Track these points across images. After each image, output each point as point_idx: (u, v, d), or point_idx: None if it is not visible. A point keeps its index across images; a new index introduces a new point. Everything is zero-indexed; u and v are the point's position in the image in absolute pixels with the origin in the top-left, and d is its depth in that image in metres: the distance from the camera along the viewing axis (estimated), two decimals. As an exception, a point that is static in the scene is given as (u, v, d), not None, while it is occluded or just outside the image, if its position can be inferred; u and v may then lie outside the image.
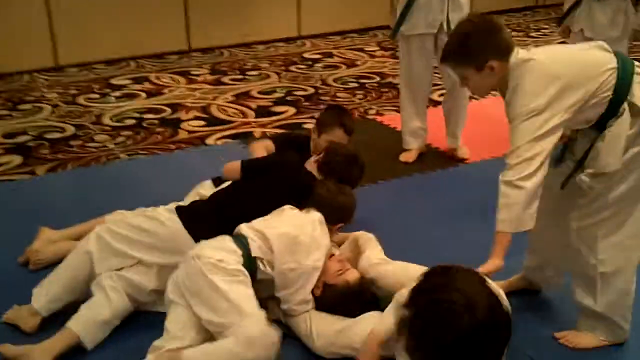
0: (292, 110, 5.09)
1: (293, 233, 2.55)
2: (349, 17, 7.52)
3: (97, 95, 5.38)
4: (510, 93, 2.24)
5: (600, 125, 2.26)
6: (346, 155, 2.92)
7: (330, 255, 2.65)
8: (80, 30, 6.05)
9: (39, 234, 3.01)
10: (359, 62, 6.45)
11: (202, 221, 2.67)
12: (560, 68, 2.22)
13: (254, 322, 2.31)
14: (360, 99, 5.36)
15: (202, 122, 4.82)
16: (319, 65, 6.36)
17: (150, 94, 5.44)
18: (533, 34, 7.64)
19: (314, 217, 2.64)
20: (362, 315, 2.47)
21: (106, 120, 4.83)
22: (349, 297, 2.57)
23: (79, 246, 2.67)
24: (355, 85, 5.73)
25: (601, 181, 2.29)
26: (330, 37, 7.42)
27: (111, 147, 4.35)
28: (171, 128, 4.69)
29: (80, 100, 5.28)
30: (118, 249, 2.60)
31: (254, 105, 5.18)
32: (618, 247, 2.36)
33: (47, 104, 5.19)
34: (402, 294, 2.08)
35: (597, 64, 2.25)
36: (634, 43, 5.91)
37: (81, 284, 2.60)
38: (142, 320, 2.61)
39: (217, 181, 3.13)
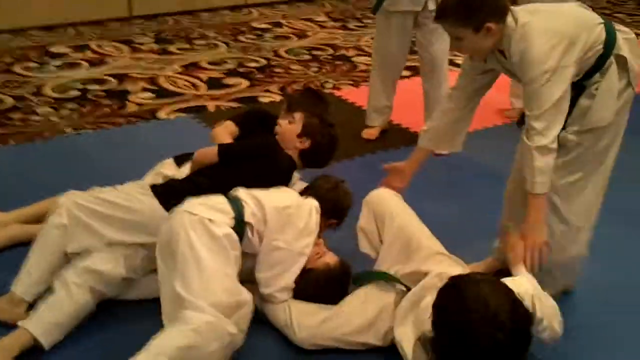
0: (245, 82, 4.88)
1: (290, 211, 2.42)
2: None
3: (35, 64, 5.03)
4: (519, 58, 2.20)
5: (581, 81, 2.28)
6: (330, 143, 2.76)
7: None
8: (12, -7, 5.65)
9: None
10: (309, 33, 6.26)
11: (180, 202, 2.49)
12: (560, 25, 2.22)
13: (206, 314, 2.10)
14: (315, 72, 5.19)
15: (151, 94, 4.57)
16: (269, 35, 6.14)
17: (92, 64, 5.12)
18: None
19: (312, 204, 2.52)
20: (344, 302, 2.37)
21: (47, 91, 4.50)
22: (331, 281, 2.47)
23: (48, 223, 2.43)
24: (309, 57, 5.55)
25: (589, 137, 2.33)
26: (277, 5, 7.20)
27: (55, 120, 4.06)
28: (119, 100, 4.42)
29: (17, 69, 4.92)
30: (89, 224, 2.40)
31: (204, 77, 4.95)
32: (588, 203, 2.45)
33: (-21, 72, 4.83)
34: (417, 295, 2.13)
35: (589, 18, 2.30)
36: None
37: (62, 260, 2.41)
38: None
39: (178, 159, 2.93)
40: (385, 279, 2.36)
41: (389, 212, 2.52)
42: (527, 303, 1.96)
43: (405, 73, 5.08)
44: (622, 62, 2.28)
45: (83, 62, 5.14)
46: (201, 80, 4.89)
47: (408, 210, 2.55)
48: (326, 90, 4.75)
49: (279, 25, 6.50)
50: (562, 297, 2.54)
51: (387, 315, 2.27)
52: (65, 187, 2.64)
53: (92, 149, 3.75)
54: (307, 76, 5.08)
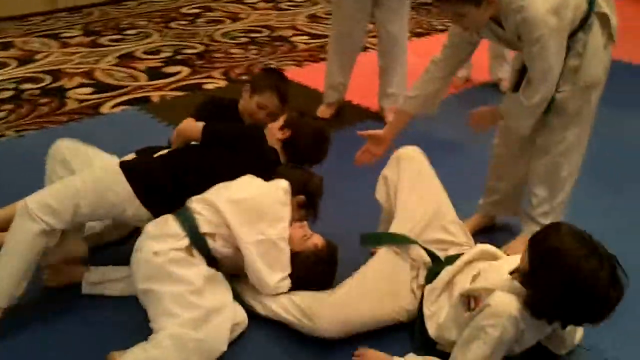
0: (186, 70, 4.75)
1: (250, 202, 2.34)
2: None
3: (-43, 64, 4.76)
4: (520, 21, 2.22)
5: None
6: (314, 134, 2.69)
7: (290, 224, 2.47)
8: None
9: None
10: (242, 16, 6.14)
11: (156, 187, 2.41)
12: None
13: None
14: (255, 55, 5.09)
15: (90, 89, 4.38)
16: (201, 20, 6.00)
17: (22, 62, 4.87)
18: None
19: (279, 185, 2.43)
20: (360, 281, 2.31)
21: (-22, 93, 4.28)
22: (320, 262, 2.43)
23: (19, 229, 2.28)
24: (246, 40, 5.45)
25: (582, 98, 2.43)
26: (205, -10, 7.04)
27: (-7, 123, 3.86)
28: (57, 98, 4.22)
29: (-60, 71, 4.65)
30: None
31: (142, 67, 4.78)
32: (576, 154, 2.58)
33: None
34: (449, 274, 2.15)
35: None
36: None
37: (35, 264, 2.31)
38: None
39: (141, 153, 2.82)
40: (407, 242, 2.32)
41: (418, 170, 2.48)
42: None
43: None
44: (603, 19, 2.34)
45: (11, 61, 4.88)
46: (139, 70, 4.72)
47: (435, 175, 2.53)
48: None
49: (210, 9, 6.35)
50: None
51: (406, 290, 2.27)
52: (16, 192, 2.52)
53: (38, 150, 3.54)
54: (248, 59, 4.98)
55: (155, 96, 4.28)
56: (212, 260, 2.32)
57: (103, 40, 5.39)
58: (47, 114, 4.00)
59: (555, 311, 1.86)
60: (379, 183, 2.56)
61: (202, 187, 2.42)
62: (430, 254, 2.30)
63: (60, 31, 5.60)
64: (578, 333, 2.20)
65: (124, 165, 2.46)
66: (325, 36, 5.52)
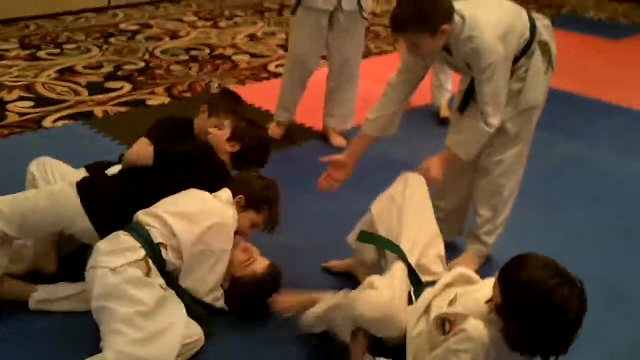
0: (128, 86, 4.76)
1: (198, 213, 2.40)
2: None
3: None
4: (470, 50, 2.37)
5: None
6: (261, 144, 2.78)
7: (237, 244, 2.53)
8: None
9: None
10: (182, 34, 6.19)
11: (106, 207, 2.46)
12: (501, 16, 2.42)
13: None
14: (197, 72, 5.15)
15: (30, 103, 4.34)
16: (141, 36, 6.01)
17: (-43, 74, 4.80)
18: None
19: (224, 196, 2.51)
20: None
21: None
22: (259, 289, 2.50)
23: None
24: (187, 57, 5.50)
25: (522, 119, 2.61)
26: (142, 6, 7.05)
27: None
28: (-4, 111, 4.19)
29: None
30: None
31: (83, 82, 4.77)
32: (516, 173, 2.77)
33: None
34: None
35: (516, 7, 2.53)
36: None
37: None
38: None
39: (92, 169, 2.84)
40: (399, 255, 2.30)
41: (426, 198, 2.51)
42: None
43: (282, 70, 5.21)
44: (543, 46, 2.53)
45: (-54, 73, 4.79)
46: (81, 85, 4.71)
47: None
48: (215, 91, 4.73)
49: (149, 26, 6.36)
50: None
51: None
52: None
53: (-21, 162, 3.53)
54: (190, 77, 5.03)
55: (98, 111, 4.28)
56: (166, 273, 2.35)
57: (41, 54, 5.34)
58: (-13, 127, 3.96)
59: (533, 344, 1.85)
60: (383, 199, 2.50)
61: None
62: (414, 274, 2.28)
63: (-4, 43, 5.52)
64: None
65: (79, 183, 2.50)
66: (266, 56, 5.65)
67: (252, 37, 6.20)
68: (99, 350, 2.15)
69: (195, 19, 6.74)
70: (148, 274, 2.28)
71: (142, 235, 2.34)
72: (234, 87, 4.80)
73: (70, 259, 2.66)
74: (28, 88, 4.59)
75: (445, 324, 1.98)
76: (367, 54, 5.83)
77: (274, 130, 4.03)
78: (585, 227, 3.31)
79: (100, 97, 4.52)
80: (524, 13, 2.53)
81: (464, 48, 2.38)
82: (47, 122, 4.07)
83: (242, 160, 2.74)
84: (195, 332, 2.32)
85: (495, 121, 2.45)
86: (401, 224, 2.35)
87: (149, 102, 4.48)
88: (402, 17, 2.34)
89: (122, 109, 4.34)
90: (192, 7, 7.20)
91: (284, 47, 5.85)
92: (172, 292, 2.33)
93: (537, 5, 8.11)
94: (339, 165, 2.76)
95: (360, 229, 2.54)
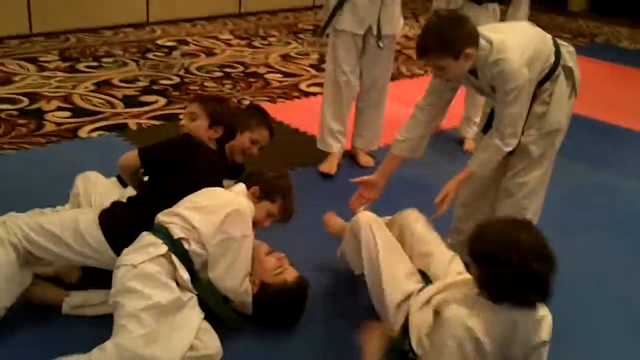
0: (162, 100, 4.87)
1: (211, 204, 2.46)
2: (197, 4, 7.36)
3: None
4: (495, 73, 2.43)
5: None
6: (242, 116, 2.83)
7: (270, 252, 2.60)
8: None
9: None
10: (217, 51, 6.31)
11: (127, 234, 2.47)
12: (528, 40, 2.49)
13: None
14: (230, 89, 5.25)
15: (67, 113, 4.47)
16: (177, 52, 6.15)
17: (-1, 83, 4.97)
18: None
19: (236, 189, 2.58)
20: None
21: (-44, 111, 4.34)
22: (288, 297, 2.54)
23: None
24: (221, 74, 5.61)
25: (546, 142, 2.64)
26: (180, 23, 7.21)
27: (-29, 141, 3.93)
28: (35, 120, 4.31)
29: None
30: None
31: (119, 95, 4.89)
32: (539, 195, 2.80)
33: None
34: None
35: (542, 33, 2.60)
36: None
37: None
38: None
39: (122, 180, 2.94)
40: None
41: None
42: None
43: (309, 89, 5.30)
44: (567, 72, 2.59)
45: (-12, 81, 4.97)
46: (116, 98, 4.84)
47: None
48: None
49: (185, 43, 6.51)
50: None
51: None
52: None
53: (15, 169, 3.64)
54: (222, 93, 5.14)
55: (132, 123, 4.39)
56: (191, 267, 2.39)
57: (80, 66, 5.50)
58: (25, 134, 4.08)
59: (514, 288, 1.92)
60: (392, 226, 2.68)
61: None
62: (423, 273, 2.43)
63: (37, 55, 5.69)
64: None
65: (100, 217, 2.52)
66: (298, 75, 5.74)
67: (284, 57, 6.30)
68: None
69: (231, 37, 6.87)
70: (172, 272, 2.33)
71: (162, 232, 2.40)
72: (265, 105, 4.88)
73: (93, 271, 2.71)
74: (66, 99, 4.73)
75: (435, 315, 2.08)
76: (398, 76, 5.90)
77: (327, 166, 3.92)
78: (610, 253, 3.31)
79: (134, 109, 4.64)
80: (548, 38, 2.59)
81: (490, 71, 2.44)
82: (83, 132, 4.19)
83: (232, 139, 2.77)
84: (210, 345, 2.32)
85: (512, 141, 2.51)
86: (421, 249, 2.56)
87: (181, 116, 4.57)
88: (425, 43, 2.42)
89: (156, 122, 4.45)
90: (228, 26, 7.34)
91: (316, 67, 5.94)
92: (193, 299, 2.36)
93: (572, 35, 8.13)
94: (370, 185, 2.83)
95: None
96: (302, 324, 2.58)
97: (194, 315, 2.33)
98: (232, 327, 2.46)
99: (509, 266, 1.88)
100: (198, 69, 5.70)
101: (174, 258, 2.35)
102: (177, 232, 2.39)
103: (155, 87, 5.13)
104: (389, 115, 4.10)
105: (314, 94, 5.22)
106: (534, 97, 2.54)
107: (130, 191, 2.77)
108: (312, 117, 4.21)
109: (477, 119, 4.39)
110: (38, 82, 5.04)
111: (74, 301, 2.53)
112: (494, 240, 1.94)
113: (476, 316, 1.94)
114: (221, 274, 2.42)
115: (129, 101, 4.79)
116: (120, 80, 5.22)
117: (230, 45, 6.57)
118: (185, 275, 2.35)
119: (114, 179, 3.00)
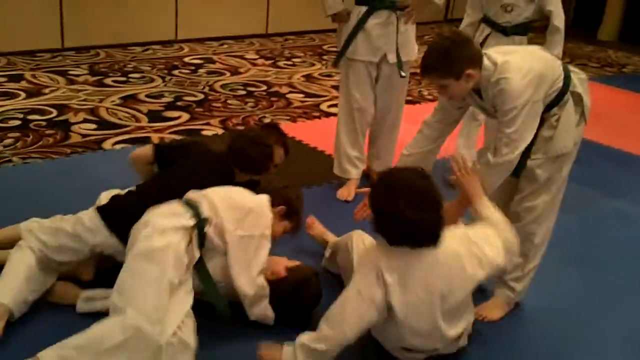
0: (185, 115, 5.00)
1: (240, 200, 2.62)
2: (225, 23, 7.51)
3: (-30, 93, 4.99)
4: (496, 91, 2.49)
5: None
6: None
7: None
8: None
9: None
10: (242, 70, 6.45)
11: (128, 219, 2.59)
12: (533, 63, 2.53)
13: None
14: (252, 107, 5.36)
15: (93, 126, 4.62)
16: (203, 70, 6.29)
17: (30, 94, 5.12)
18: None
19: (262, 197, 2.69)
20: None
21: (-13, 120, 4.49)
22: (303, 284, 2.66)
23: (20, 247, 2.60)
24: (244, 92, 5.73)
25: (553, 166, 2.67)
26: (207, 42, 7.36)
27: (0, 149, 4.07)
28: (62, 131, 4.45)
29: (-48, 97, 4.87)
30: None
31: (144, 109, 5.03)
32: (547, 221, 2.82)
33: None
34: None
35: (551, 58, 2.65)
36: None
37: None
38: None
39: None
40: None
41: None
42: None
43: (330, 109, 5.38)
44: (577, 98, 2.63)
45: (20, 92, 5.13)
46: (141, 112, 4.97)
47: None
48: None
49: (212, 61, 6.65)
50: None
51: None
52: (20, 215, 2.79)
53: (42, 178, 3.77)
54: (244, 111, 5.25)
55: (155, 137, 4.51)
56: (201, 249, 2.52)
57: (108, 80, 5.66)
58: (52, 144, 4.22)
59: (408, 230, 2.23)
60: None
61: None
62: None
63: (67, 68, 5.87)
64: None
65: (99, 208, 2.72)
66: (320, 95, 5.84)
67: (308, 77, 6.41)
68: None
69: (256, 56, 7.01)
70: (189, 244, 2.45)
71: (193, 207, 2.54)
72: (285, 124, 4.99)
73: (108, 271, 2.82)
74: (92, 111, 4.87)
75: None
76: (419, 99, 5.98)
77: (344, 192, 3.94)
78: (622, 283, 3.30)
79: (158, 124, 4.77)
80: (557, 64, 2.62)
81: (492, 90, 2.49)
82: (107, 145, 4.31)
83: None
84: (187, 333, 2.32)
85: (507, 159, 2.51)
86: None
87: (204, 132, 4.70)
88: (428, 63, 2.50)
89: (178, 137, 4.56)
90: (255, 45, 7.48)
91: (338, 88, 6.01)
92: (189, 281, 2.44)
93: (599, 64, 8.16)
94: None
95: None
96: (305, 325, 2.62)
97: (188, 299, 2.42)
98: (222, 318, 2.55)
99: (387, 215, 2.26)
100: (222, 86, 5.83)
101: (194, 234, 2.48)
102: (205, 211, 2.53)
103: (179, 103, 5.26)
104: (408, 139, 4.15)
105: (335, 114, 5.28)
106: (542, 121, 2.58)
107: None
108: (331, 137, 4.27)
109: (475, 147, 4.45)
110: (67, 94, 5.21)
111: (86, 294, 2.64)
112: (380, 192, 2.30)
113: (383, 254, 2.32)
114: (238, 271, 2.52)
115: (153, 116, 4.92)
116: (146, 96, 5.36)
117: (255, 64, 6.70)
118: (197, 253, 2.48)
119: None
